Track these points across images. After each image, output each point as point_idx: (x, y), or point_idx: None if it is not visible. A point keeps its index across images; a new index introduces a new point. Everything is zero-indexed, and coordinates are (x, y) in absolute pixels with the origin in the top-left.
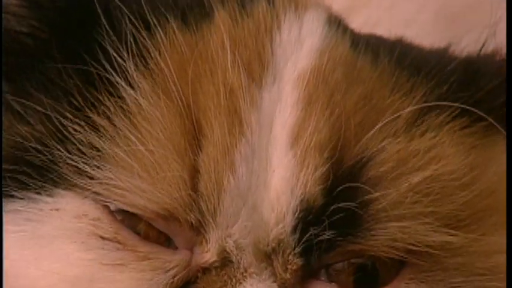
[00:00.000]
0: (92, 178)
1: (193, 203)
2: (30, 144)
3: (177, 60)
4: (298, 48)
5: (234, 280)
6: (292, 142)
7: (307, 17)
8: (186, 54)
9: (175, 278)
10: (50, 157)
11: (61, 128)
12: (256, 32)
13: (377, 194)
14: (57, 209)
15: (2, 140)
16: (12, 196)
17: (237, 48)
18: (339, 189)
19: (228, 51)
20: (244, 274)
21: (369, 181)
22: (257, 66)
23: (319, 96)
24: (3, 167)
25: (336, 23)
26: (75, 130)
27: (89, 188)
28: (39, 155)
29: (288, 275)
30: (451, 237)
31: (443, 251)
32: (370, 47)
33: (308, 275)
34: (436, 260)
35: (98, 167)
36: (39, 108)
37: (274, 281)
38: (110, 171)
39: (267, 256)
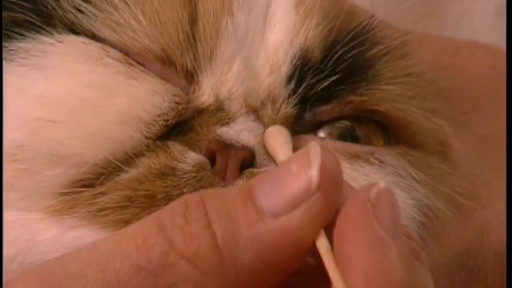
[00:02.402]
0: (94, 15)
1: (190, 46)
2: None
3: None
4: None
5: (226, 120)
6: (297, 3)
7: None
8: None
9: (179, 107)
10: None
11: None
12: None
13: (385, 56)
14: (60, 41)
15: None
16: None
17: None
18: (342, 42)
19: None
20: (235, 116)
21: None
22: None
23: None
24: None
25: None
26: None
27: (91, 25)
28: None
29: (276, 121)
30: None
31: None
32: None
33: (298, 131)
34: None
35: (99, 8)
36: None
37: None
38: (112, 12)
39: (255, 110)
